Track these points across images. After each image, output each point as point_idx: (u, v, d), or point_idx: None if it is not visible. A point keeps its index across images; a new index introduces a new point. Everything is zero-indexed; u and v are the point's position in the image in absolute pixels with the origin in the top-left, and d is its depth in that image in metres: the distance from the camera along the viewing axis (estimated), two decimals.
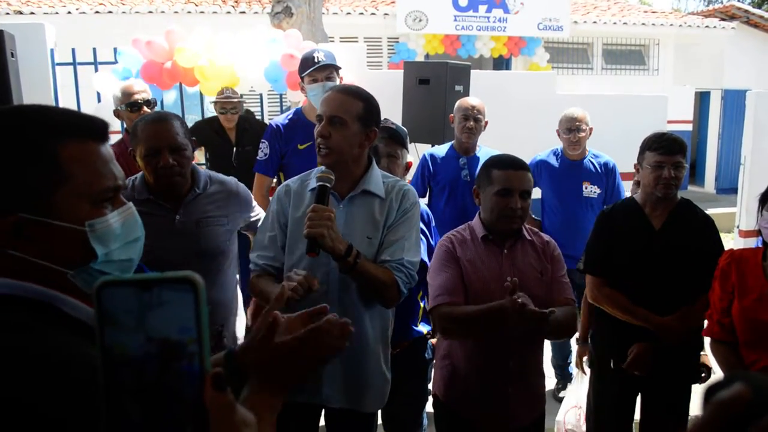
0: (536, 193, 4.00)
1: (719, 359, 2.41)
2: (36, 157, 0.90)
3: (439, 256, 2.39)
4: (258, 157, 3.53)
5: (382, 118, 2.59)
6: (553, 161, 4.03)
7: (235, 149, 4.46)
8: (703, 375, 2.78)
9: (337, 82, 3.47)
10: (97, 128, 0.97)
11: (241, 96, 4.73)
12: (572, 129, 3.91)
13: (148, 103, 3.35)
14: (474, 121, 3.73)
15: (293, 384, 1.05)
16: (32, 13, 9.93)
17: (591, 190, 3.93)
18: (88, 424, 0.73)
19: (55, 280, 0.92)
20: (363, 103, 2.11)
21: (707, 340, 2.50)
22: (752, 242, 3.47)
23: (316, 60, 3.38)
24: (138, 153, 2.29)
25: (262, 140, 3.54)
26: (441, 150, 3.92)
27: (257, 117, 5.55)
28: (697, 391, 3.25)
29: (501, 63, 12.76)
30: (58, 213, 0.91)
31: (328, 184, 1.98)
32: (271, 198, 2.24)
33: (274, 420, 1.00)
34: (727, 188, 12.38)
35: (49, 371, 0.79)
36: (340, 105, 2.07)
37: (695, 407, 2.90)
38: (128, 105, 3.30)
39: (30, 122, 0.93)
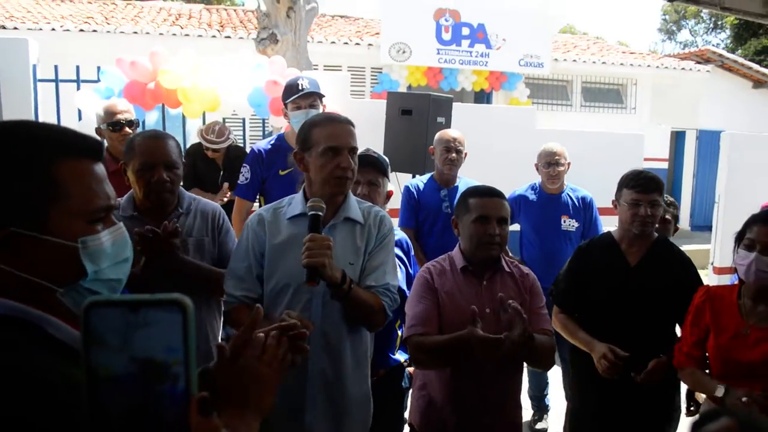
0: (514, 228, 4.03)
1: (689, 379, 2.45)
2: (32, 173, 0.91)
3: (417, 286, 2.40)
4: (239, 181, 3.52)
5: (363, 148, 2.62)
6: (532, 195, 4.08)
7: (222, 173, 4.50)
8: (692, 408, 2.78)
9: (320, 110, 3.49)
10: (92, 147, 0.98)
11: (227, 133, 4.76)
12: (551, 163, 3.96)
13: (131, 123, 3.34)
14: (456, 152, 3.77)
15: (264, 401, 1.04)
16: (15, 28, 9.88)
17: (569, 224, 3.97)
18: None
19: (41, 299, 0.91)
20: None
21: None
22: (727, 279, 3.52)
23: (300, 87, 3.39)
24: (131, 167, 2.31)
25: (244, 164, 3.54)
26: (421, 182, 3.94)
27: (239, 141, 5.58)
28: (687, 424, 3.27)
29: (482, 97, 12.94)
30: (52, 229, 0.92)
31: (320, 213, 2.01)
32: (246, 225, 2.19)
33: None
34: (702, 225, 12.58)
35: (34, 392, 0.77)
36: (353, 136, 2.14)
37: None
38: (110, 124, 3.29)
39: (27, 138, 0.93)
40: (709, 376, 2.39)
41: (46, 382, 0.79)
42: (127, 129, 3.29)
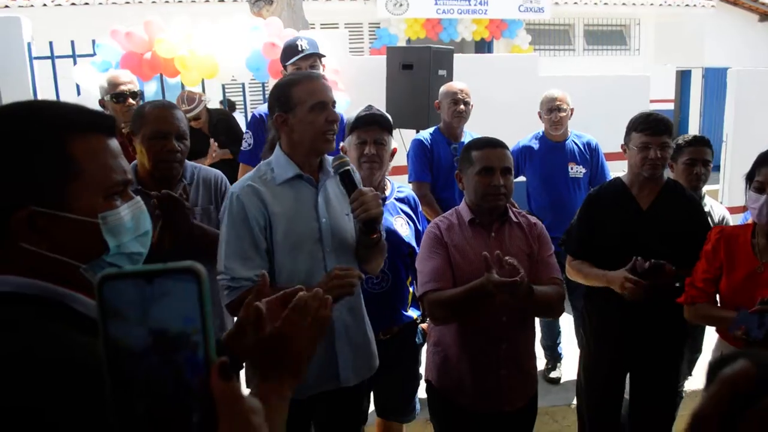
0: (520, 179, 4.01)
1: (699, 315, 2.47)
2: (49, 151, 0.91)
3: (426, 242, 2.40)
4: (242, 147, 3.50)
5: (365, 105, 2.59)
6: (536, 145, 4.04)
7: (211, 140, 4.45)
8: None
9: (321, 71, 3.44)
10: (105, 123, 0.98)
11: (203, 97, 4.70)
12: (552, 109, 3.93)
13: (134, 94, 3.33)
14: (464, 104, 3.73)
15: (297, 369, 1.06)
16: (6, 6, 9.75)
17: (577, 171, 3.95)
18: (97, 426, 0.72)
19: (65, 276, 0.92)
20: None
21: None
22: (737, 218, 3.51)
23: (300, 48, 3.35)
24: (141, 136, 2.30)
25: (246, 130, 3.52)
26: (428, 135, 3.89)
27: (239, 106, 5.53)
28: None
29: (483, 46, 12.74)
30: (71, 206, 0.92)
31: (350, 167, 2.06)
32: (235, 199, 2.05)
33: (286, 407, 1.01)
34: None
35: (55, 374, 0.78)
36: (331, 90, 2.14)
37: (691, 383, 2.95)
38: (114, 96, 3.28)
39: (42, 117, 0.93)
40: (721, 309, 2.40)
41: (67, 365, 0.80)
42: (131, 100, 3.29)
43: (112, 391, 0.60)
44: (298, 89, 2.06)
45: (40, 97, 4.88)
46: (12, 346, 0.79)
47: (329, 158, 2.18)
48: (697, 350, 3.30)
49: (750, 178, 2.37)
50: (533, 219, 2.48)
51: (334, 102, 2.11)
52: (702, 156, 3.03)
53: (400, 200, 2.73)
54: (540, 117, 4.02)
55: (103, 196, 0.95)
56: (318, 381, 2.10)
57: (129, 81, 3.36)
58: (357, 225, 2.12)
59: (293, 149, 2.10)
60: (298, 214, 2.06)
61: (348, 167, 2.05)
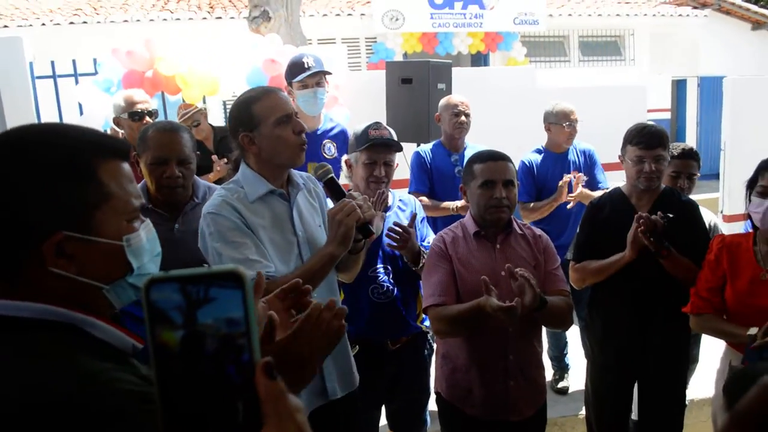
0: None
1: (708, 328, 2.48)
2: (82, 176, 0.92)
3: (431, 256, 2.43)
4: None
5: (372, 121, 2.61)
6: (538, 158, 4.06)
7: (214, 156, 4.45)
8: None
9: (326, 87, 3.48)
10: (123, 148, 1.00)
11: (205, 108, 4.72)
12: (571, 122, 3.94)
13: (150, 113, 3.35)
14: (464, 116, 3.77)
15: (302, 378, 1.07)
16: (5, 26, 9.81)
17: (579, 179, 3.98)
18: None
19: (85, 301, 0.92)
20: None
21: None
22: (737, 226, 3.54)
23: (306, 66, 3.38)
24: (144, 160, 2.31)
25: None
26: (429, 148, 3.93)
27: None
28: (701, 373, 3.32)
29: (479, 59, 12.83)
30: (99, 230, 0.93)
31: (332, 174, 2.06)
32: (214, 217, 1.98)
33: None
34: (708, 174, 12.47)
35: (79, 406, 0.79)
36: (290, 101, 2.15)
37: (690, 392, 2.96)
38: (131, 114, 3.30)
39: (70, 141, 0.94)
40: (728, 322, 2.39)
41: (107, 383, 0.82)
42: (148, 119, 3.30)
43: (160, 394, 0.61)
44: (258, 106, 2.02)
45: (43, 116, 4.91)
46: (31, 377, 0.80)
47: (296, 171, 2.17)
48: (694, 360, 3.31)
49: (752, 184, 2.39)
50: (538, 231, 2.50)
51: (296, 112, 2.08)
52: (687, 170, 3.08)
53: (402, 209, 2.76)
54: (548, 129, 4.02)
55: (126, 220, 0.97)
56: (308, 399, 2.06)
57: (144, 100, 3.40)
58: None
59: (262, 166, 2.05)
60: (276, 228, 2.03)
61: (331, 175, 2.04)
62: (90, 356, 0.85)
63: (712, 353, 2.91)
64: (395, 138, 2.62)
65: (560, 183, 3.72)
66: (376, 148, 2.55)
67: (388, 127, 2.63)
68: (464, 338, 2.37)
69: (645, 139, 2.64)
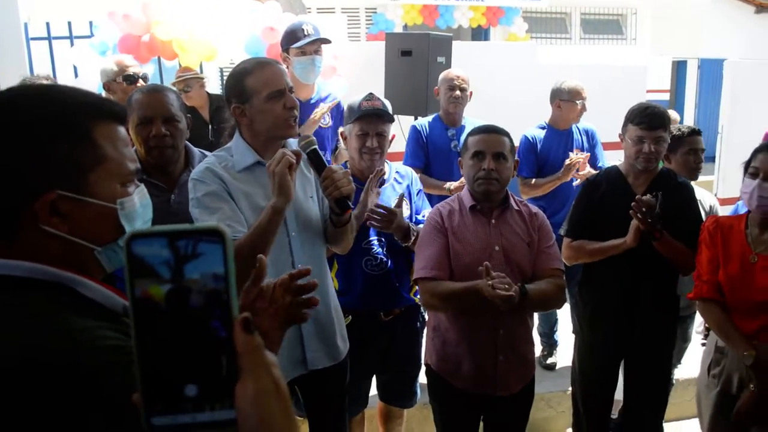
0: None
1: (709, 319, 2.48)
2: (76, 136, 0.93)
3: (427, 228, 2.43)
4: None
5: (366, 93, 2.60)
6: (541, 134, 4.05)
7: (210, 126, 4.41)
8: (707, 335, 2.86)
9: (322, 56, 3.45)
10: (120, 111, 1.00)
11: (202, 72, 4.68)
12: (580, 99, 3.94)
13: (144, 77, 3.32)
14: (460, 90, 3.75)
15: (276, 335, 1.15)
16: None
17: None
18: (117, 401, 0.75)
19: (75, 261, 0.93)
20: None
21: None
22: (730, 209, 3.55)
23: (305, 33, 3.35)
24: (131, 123, 2.27)
25: None
26: (427, 122, 3.91)
27: None
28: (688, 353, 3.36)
29: (479, 33, 12.70)
30: (93, 192, 0.94)
31: (316, 146, 2.04)
32: (195, 183, 2.01)
33: None
34: (705, 156, 12.52)
35: (79, 352, 0.81)
36: (286, 75, 2.10)
37: (677, 371, 3.00)
38: (125, 77, 3.26)
39: (68, 102, 0.94)
40: (734, 327, 2.37)
41: (89, 341, 0.83)
42: (142, 82, 3.26)
43: (136, 347, 0.61)
44: (251, 79, 2.02)
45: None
46: (16, 334, 0.81)
47: (293, 142, 2.16)
48: (686, 339, 3.34)
49: (747, 166, 2.40)
50: (534, 208, 2.50)
51: (291, 87, 2.06)
52: (700, 145, 3.16)
53: (398, 181, 2.76)
54: (558, 106, 3.99)
55: (120, 183, 0.97)
56: (286, 368, 2.06)
57: (135, 65, 3.36)
58: (329, 204, 2.09)
59: (253, 137, 2.08)
60: (262, 197, 2.01)
61: (314, 146, 2.02)
62: (77, 314, 0.86)
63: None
64: (389, 109, 2.61)
65: (567, 162, 3.70)
66: (367, 118, 2.54)
67: (381, 98, 2.62)
68: (455, 313, 2.38)
69: (647, 120, 2.63)
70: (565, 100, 3.96)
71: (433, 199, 3.54)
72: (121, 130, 0.99)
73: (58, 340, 0.81)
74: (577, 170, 3.70)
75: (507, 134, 2.42)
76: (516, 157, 2.47)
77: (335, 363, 2.24)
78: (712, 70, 12.30)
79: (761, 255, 2.36)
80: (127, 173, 0.98)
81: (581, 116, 4.00)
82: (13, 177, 0.89)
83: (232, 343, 0.63)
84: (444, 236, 2.38)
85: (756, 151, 2.40)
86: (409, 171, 2.88)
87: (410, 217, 2.72)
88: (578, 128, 4.05)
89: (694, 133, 3.16)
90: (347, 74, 4.98)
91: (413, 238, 2.53)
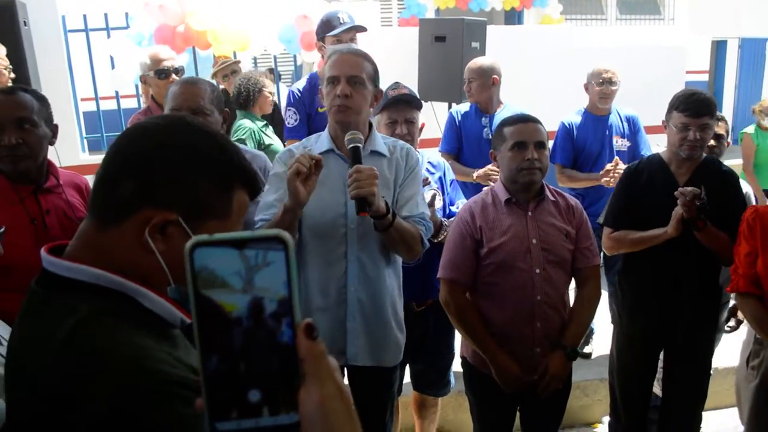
0: None
1: (747, 313, 2.43)
2: (222, 185, 0.99)
3: (456, 228, 2.41)
4: (287, 125, 3.55)
5: (394, 81, 2.60)
6: (579, 119, 3.99)
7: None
8: (731, 325, 2.80)
9: (356, 44, 3.44)
10: (257, 189, 1.06)
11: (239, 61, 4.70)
12: (605, 81, 3.87)
13: (177, 71, 3.34)
14: (468, 82, 3.73)
15: None
16: None
17: (621, 144, 3.94)
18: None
19: (148, 280, 0.96)
20: (371, 64, 2.20)
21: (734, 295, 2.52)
22: None
23: (341, 21, 3.37)
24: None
25: (287, 108, 3.57)
26: (464, 108, 3.89)
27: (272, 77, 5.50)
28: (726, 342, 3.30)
29: (513, 16, 12.50)
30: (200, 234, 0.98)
31: (359, 144, 2.04)
32: (276, 158, 2.25)
33: None
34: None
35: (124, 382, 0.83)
36: (356, 65, 2.13)
37: (715, 360, 2.94)
38: (157, 72, 3.30)
39: (233, 157, 1.01)
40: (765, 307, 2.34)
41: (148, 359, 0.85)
42: (174, 76, 3.29)
43: (201, 353, 0.62)
44: (327, 63, 2.17)
45: (75, 70, 4.93)
46: (68, 341, 0.84)
47: (391, 140, 2.24)
48: (720, 329, 3.28)
49: None
50: (572, 200, 2.46)
51: (351, 77, 2.10)
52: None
53: (431, 171, 2.75)
54: (587, 89, 3.96)
55: None
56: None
57: (170, 57, 3.38)
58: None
59: (329, 124, 2.21)
60: (326, 185, 2.07)
61: (355, 144, 2.03)
62: (133, 326, 0.89)
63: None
64: (417, 97, 2.64)
65: (608, 167, 3.63)
66: (395, 106, 2.57)
67: (407, 86, 2.65)
68: (490, 305, 2.37)
69: (692, 107, 2.57)
70: (589, 82, 3.93)
71: (469, 186, 3.54)
72: (248, 203, 1.05)
73: (108, 352, 0.84)
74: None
75: (541, 122, 2.39)
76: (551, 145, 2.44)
77: (380, 366, 2.24)
78: (753, 50, 11.94)
79: None
80: None
81: (606, 97, 3.91)
82: (158, 178, 0.94)
83: (295, 349, 0.63)
84: (471, 239, 2.35)
85: None
86: (442, 161, 2.87)
87: (444, 209, 2.70)
88: (619, 114, 3.98)
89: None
90: (380, 61, 4.91)
91: (443, 236, 2.52)
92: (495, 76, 3.74)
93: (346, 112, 2.10)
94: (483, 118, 3.77)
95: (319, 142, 2.21)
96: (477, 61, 3.80)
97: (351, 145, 2.03)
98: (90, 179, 1.29)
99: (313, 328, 0.64)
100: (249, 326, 0.62)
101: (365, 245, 2.15)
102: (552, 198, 2.40)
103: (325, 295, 2.17)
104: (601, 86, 3.89)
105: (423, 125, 2.74)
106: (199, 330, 0.62)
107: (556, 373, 2.30)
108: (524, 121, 2.37)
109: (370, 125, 2.25)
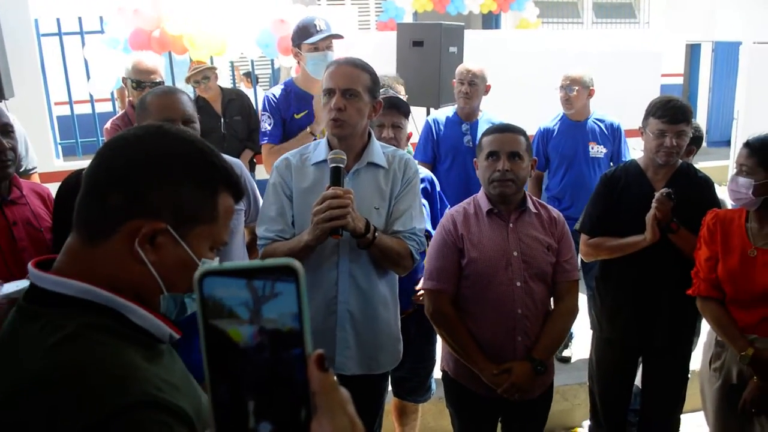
0: None
1: (708, 316, 2.48)
2: (206, 191, 1.00)
3: (438, 238, 2.38)
4: (262, 129, 3.52)
5: (382, 84, 2.59)
6: (556, 125, 4.03)
7: (222, 120, 4.40)
8: None
9: (334, 51, 3.43)
10: (242, 191, 1.08)
11: (213, 65, 4.66)
12: (563, 87, 3.94)
13: (154, 85, 3.32)
14: (468, 85, 3.71)
15: None
16: None
17: (597, 150, 3.96)
18: None
19: (138, 293, 0.96)
20: (369, 74, 2.15)
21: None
22: None
23: (318, 29, 3.34)
24: None
25: (262, 112, 3.54)
26: (444, 114, 3.90)
27: (248, 81, 5.46)
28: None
29: (490, 19, 12.57)
30: (190, 242, 0.99)
31: (341, 165, 2.01)
32: (274, 167, 2.24)
33: None
34: (718, 141, 12.37)
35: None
36: (351, 77, 2.10)
37: (694, 363, 2.97)
38: (134, 81, 3.27)
39: (215, 161, 1.02)
40: (735, 323, 2.39)
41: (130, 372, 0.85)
42: (148, 89, 3.26)
43: (211, 384, 0.61)
44: (325, 74, 2.15)
45: (49, 74, 4.85)
46: (48, 355, 0.84)
47: (390, 150, 2.21)
48: (697, 333, 3.31)
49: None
50: (555, 213, 2.44)
51: (347, 89, 2.07)
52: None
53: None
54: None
55: (210, 246, 1.03)
56: None
57: (152, 70, 3.35)
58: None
59: (328, 133, 2.20)
60: (317, 195, 2.03)
61: (337, 165, 2.02)
62: (121, 341, 0.89)
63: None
64: (407, 104, 2.64)
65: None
66: (383, 110, 2.52)
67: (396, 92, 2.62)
68: (470, 319, 2.35)
69: (669, 113, 2.59)
70: (557, 88, 3.98)
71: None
72: (233, 206, 1.07)
73: (88, 366, 0.83)
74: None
75: (522, 132, 2.36)
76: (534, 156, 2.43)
77: (370, 374, 2.23)
78: (726, 54, 12.12)
79: (760, 249, 2.35)
80: (220, 241, 1.06)
81: (569, 102, 3.94)
82: (144, 188, 0.95)
83: (306, 381, 0.62)
84: (454, 247, 2.33)
85: (742, 146, 2.42)
86: (428, 173, 2.84)
87: (433, 219, 2.69)
88: (597, 120, 4.01)
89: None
90: None
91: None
92: (488, 84, 3.77)
93: (341, 126, 2.09)
94: (464, 125, 3.78)
95: (317, 150, 2.20)
96: (477, 66, 3.81)
97: (332, 165, 2.01)
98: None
99: (324, 360, 0.63)
100: (258, 357, 0.61)
101: (357, 256, 2.14)
102: (534, 210, 2.38)
103: (316, 305, 2.16)
104: (562, 91, 3.94)
105: (410, 135, 2.73)
106: (207, 360, 0.61)
107: (518, 382, 2.24)
108: (501, 131, 2.35)
109: (370, 134, 2.23)
